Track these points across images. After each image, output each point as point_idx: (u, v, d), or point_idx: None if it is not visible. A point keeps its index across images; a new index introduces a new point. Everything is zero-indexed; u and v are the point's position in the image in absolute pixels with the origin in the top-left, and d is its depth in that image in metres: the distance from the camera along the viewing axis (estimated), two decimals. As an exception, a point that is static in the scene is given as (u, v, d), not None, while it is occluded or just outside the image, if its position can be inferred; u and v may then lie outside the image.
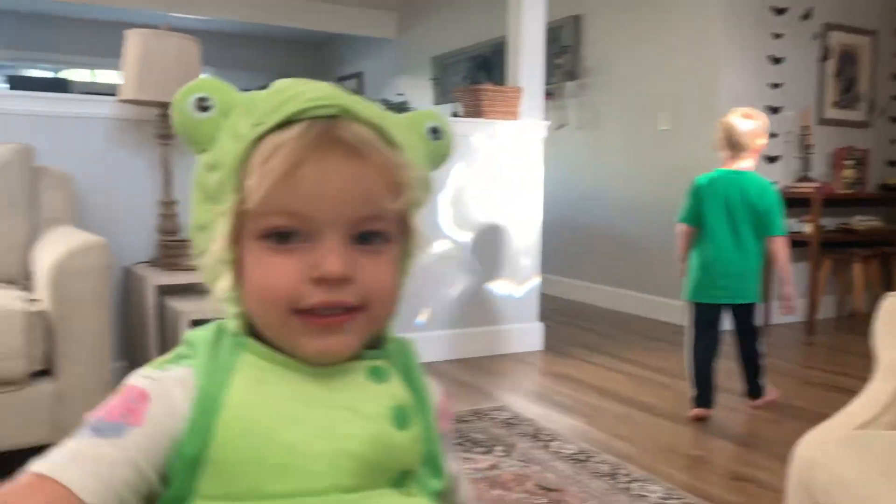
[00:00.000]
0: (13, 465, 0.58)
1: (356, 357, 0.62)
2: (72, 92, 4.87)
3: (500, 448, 2.25)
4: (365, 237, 0.59)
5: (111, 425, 0.55)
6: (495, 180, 3.47)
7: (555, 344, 3.68)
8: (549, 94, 4.66)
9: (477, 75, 5.82)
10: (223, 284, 0.60)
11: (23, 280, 2.27)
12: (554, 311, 4.49)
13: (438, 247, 3.35)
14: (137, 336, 2.65)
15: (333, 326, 0.58)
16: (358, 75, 8.27)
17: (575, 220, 5.08)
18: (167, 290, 2.58)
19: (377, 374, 0.63)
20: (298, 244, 0.58)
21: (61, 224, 2.42)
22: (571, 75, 5.04)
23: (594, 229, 4.96)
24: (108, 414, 0.56)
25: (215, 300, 0.62)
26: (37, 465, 0.52)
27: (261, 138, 0.58)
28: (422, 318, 3.34)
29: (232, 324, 0.62)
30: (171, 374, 0.60)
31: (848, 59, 4.60)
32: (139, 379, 0.59)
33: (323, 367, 0.60)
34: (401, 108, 3.94)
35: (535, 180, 3.58)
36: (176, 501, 0.56)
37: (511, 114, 3.46)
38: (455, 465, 0.72)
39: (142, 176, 2.81)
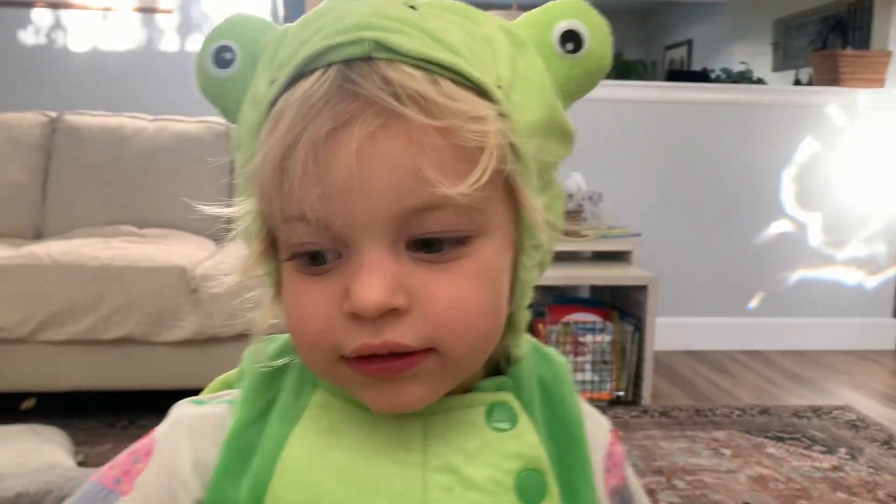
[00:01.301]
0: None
1: (467, 387, 0.43)
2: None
3: (843, 450, 2.06)
4: (427, 243, 0.38)
5: (99, 494, 0.44)
6: (850, 155, 3.12)
7: (911, 344, 3.24)
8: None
9: (828, 38, 5.25)
10: (264, 309, 0.44)
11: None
12: (910, 306, 3.94)
13: (777, 227, 3.12)
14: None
15: (394, 375, 0.39)
16: (687, 43, 7.94)
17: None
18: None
19: (501, 416, 0.43)
20: (334, 263, 0.39)
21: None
22: (952, 34, 4.31)
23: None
24: (107, 473, 0.45)
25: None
26: None
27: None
28: (753, 302, 3.15)
29: None
30: (206, 412, 0.45)
31: None
32: (168, 418, 0.46)
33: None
34: (742, 78, 3.72)
35: (900, 157, 3.15)
36: None
37: (875, 81, 3.08)
38: None
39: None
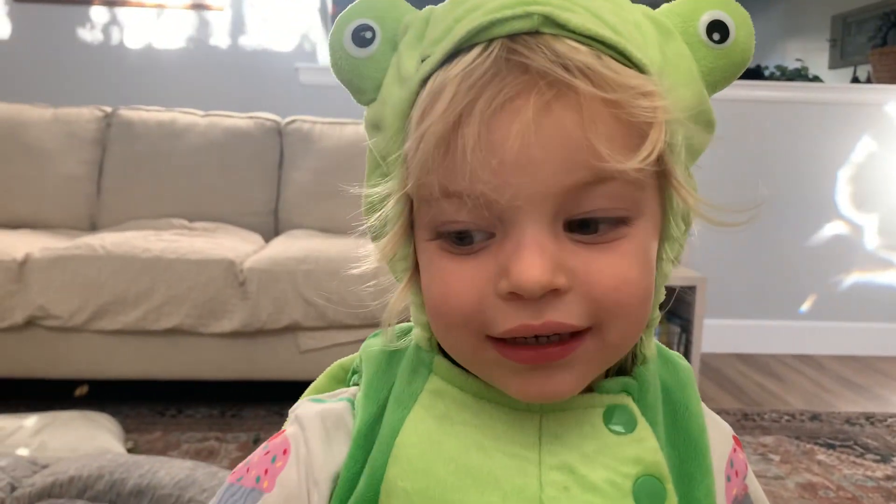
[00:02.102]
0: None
1: (586, 388, 0.42)
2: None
3: (898, 460, 2.00)
4: (583, 224, 0.38)
5: (242, 494, 0.44)
6: (910, 156, 3.02)
7: (972, 351, 3.12)
8: None
9: (889, 34, 5.09)
10: (400, 289, 0.44)
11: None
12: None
13: (831, 229, 3.04)
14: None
15: (553, 361, 0.39)
16: (740, 40, 7.78)
17: None
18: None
19: (620, 419, 0.42)
20: (483, 243, 0.38)
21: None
22: None
23: None
24: (246, 475, 0.45)
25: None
26: None
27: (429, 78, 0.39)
28: (805, 305, 3.08)
29: (418, 333, 0.45)
30: (327, 409, 0.45)
31: None
32: (292, 419, 0.46)
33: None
34: (797, 75, 3.63)
35: (963, 157, 3.03)
36: None
37: (938, 79, 2.98)
38: None
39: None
